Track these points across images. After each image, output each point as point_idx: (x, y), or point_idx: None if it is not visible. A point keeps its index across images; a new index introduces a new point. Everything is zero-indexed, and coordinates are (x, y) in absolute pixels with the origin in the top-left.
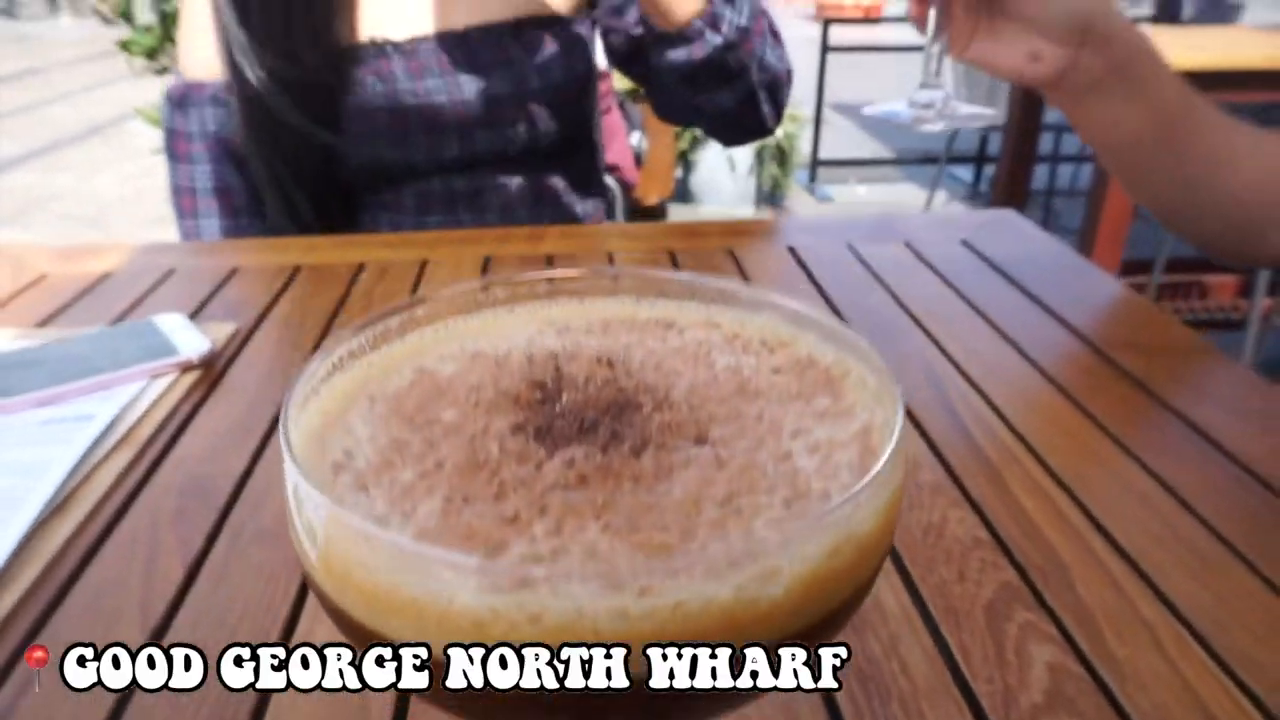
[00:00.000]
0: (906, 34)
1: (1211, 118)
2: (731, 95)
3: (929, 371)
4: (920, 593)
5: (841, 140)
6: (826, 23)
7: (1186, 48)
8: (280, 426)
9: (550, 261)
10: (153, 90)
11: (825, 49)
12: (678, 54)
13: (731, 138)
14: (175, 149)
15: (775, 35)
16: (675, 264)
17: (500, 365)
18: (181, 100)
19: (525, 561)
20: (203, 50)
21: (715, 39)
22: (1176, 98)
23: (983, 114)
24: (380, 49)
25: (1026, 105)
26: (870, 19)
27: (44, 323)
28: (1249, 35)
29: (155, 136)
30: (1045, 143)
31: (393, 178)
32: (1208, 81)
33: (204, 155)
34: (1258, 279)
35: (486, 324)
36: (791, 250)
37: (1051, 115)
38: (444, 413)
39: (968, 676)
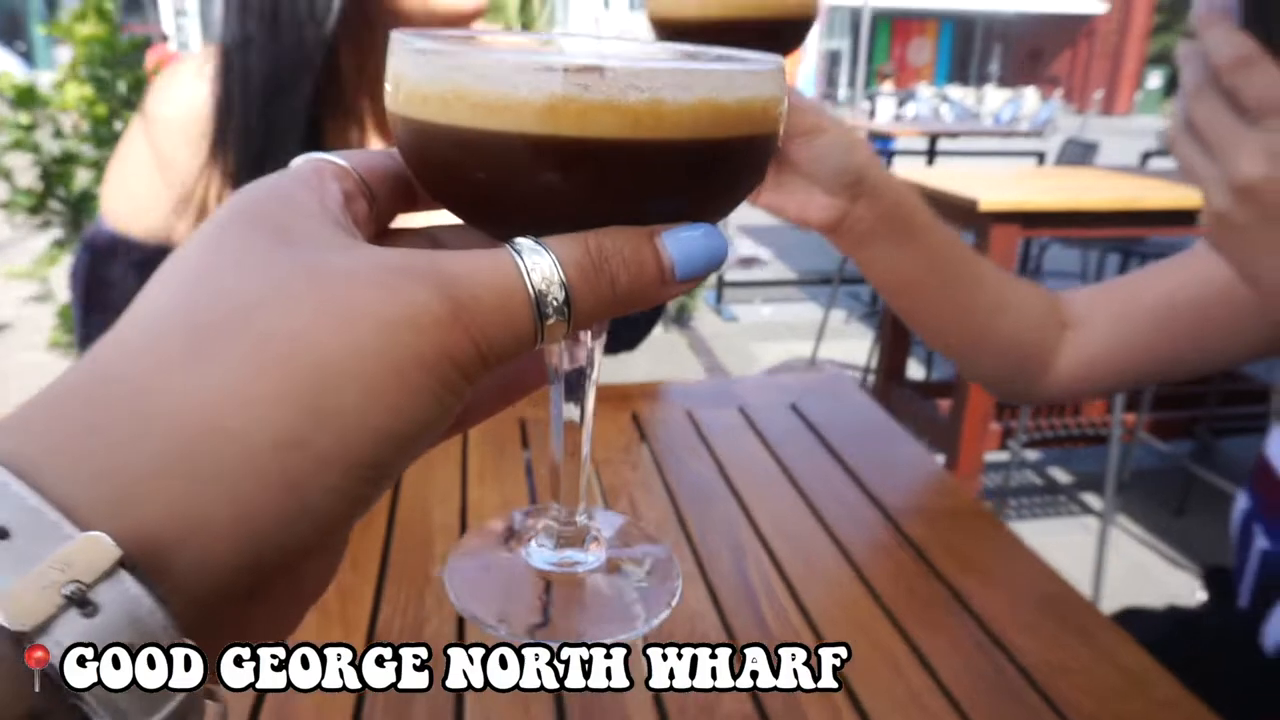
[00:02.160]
0: None
1: (984, 268)
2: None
3: (732, 539)
4: None
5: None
6: None
7: (1049, 190)
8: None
9: None
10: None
11: None
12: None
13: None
14: (97, 297)
15: None
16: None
17: None
18: (107, 251)
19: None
20: (142, 206)
21: None
22: (948, 247)
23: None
24: None
25: None
26: None
27: None
28: (1101, 177)
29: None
30: None
31: None
32: (1068, 220)
33: (124, 307)
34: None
35: None
36: (634, 417)
37: None
38: None
39: None
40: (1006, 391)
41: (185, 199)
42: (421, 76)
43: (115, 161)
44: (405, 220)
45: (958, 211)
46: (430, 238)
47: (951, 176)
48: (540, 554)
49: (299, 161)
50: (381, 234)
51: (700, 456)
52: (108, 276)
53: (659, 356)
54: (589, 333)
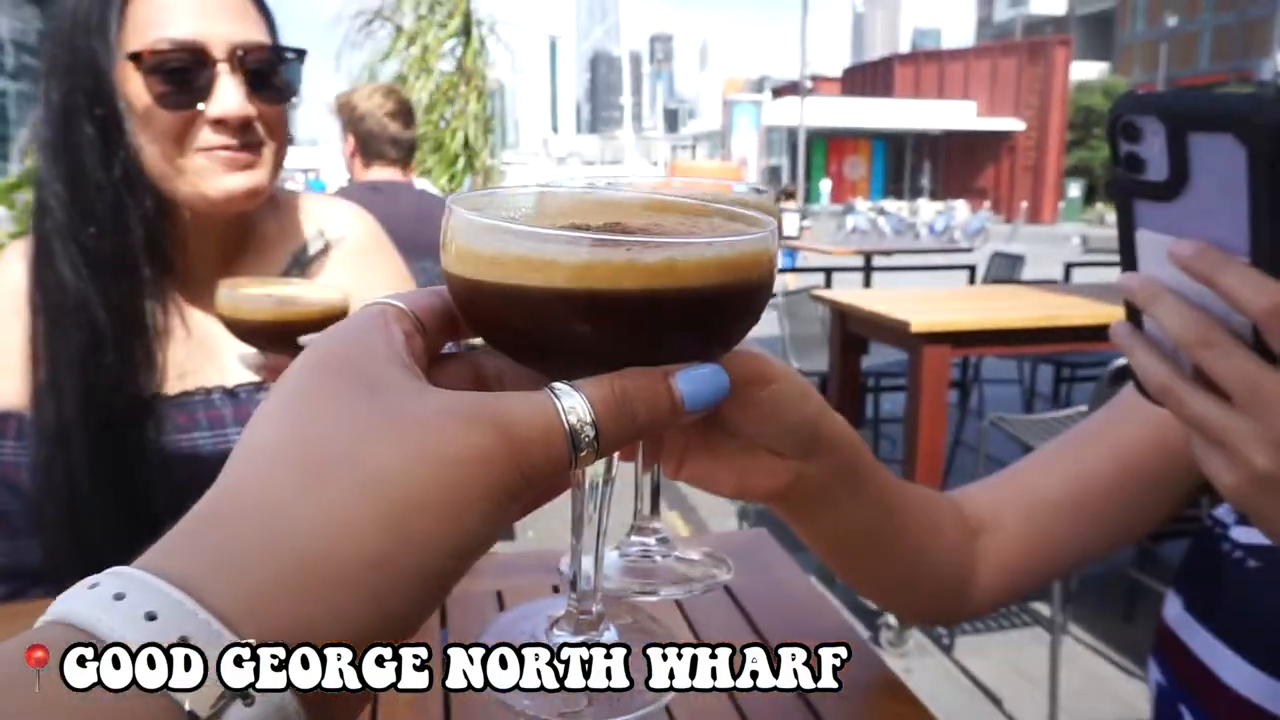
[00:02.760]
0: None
1: (916, 494)
2: None
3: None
4: None
5: None
6: None
7: (978, 310)
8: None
9: None
10: None
11: None
12: None
13: None
14: None
15: None
16: None
17: None
18: None
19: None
20: None
21: None
22: (889, 490)
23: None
24: (180, 401)
25: (845, 354)
26: None
27: None
28: (1027, 294)
29: None
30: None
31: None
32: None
33: None
34: None
35: None
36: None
37: (871, 360)
38: None
39: None
40: (936, 619)
41: (7, 366)
42: (472, 240)
43: None
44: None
45: (891, 333)
46: (472, 364)
47: (885, 299)
48: (560, 638)
49: (361, 309)
50: (432, 360)
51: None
52: None
53: (625, 487)
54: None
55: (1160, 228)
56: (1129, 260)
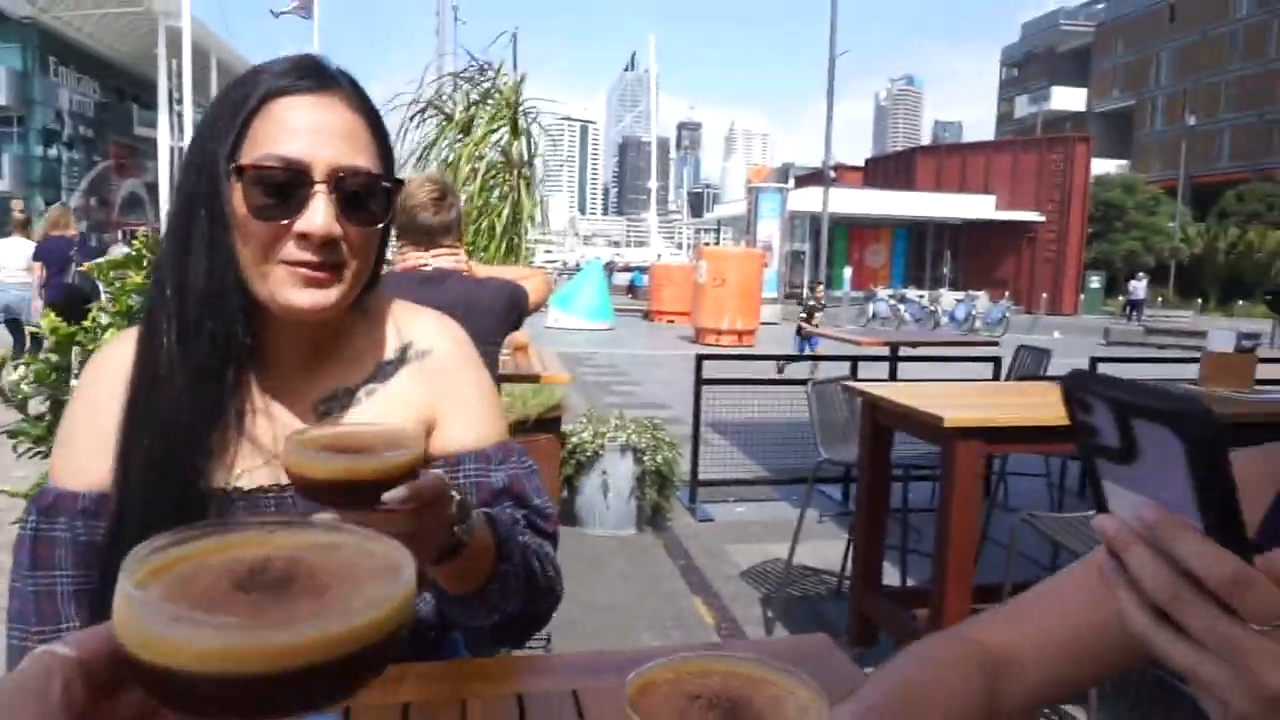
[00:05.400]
0: (771, 368)
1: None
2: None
3: None
4: None
5: (719, 458)
6: (699, 359)
7: (1009, 406)
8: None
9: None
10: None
11: (700, 382)
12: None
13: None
14: (38, 555)
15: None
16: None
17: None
18: (50, 509)
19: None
20: (79, 461)
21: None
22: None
23: None
24: (254, 497)
25: (874, 445)
26: (743, 347)
27: None
28: (1057, 391)
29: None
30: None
31: None
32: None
33: (67, 560)
34: None
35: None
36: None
37: (898, 450)
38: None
39: None
40: None
41: (108, 450)
42: (120, 611)
43: (63, 423)
44: None
45: (924, 428)
46: (136, 701)
47: (916, 394)
48: None
49: (32, 660)
50: (105, 694)
51: None
52: (49, 534)
53: (633, 558)
54: None
55: (1121, 482)
56: (1101, 503)
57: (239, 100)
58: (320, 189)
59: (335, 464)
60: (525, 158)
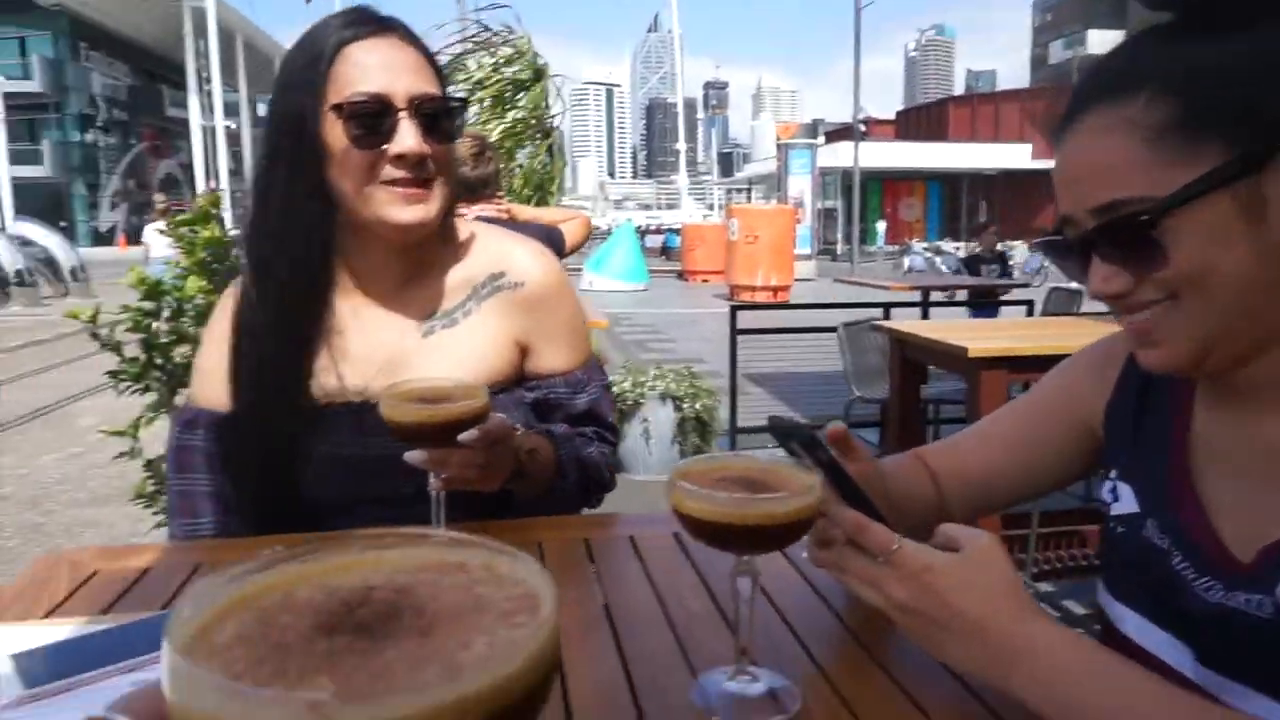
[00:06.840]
0: (807, 315)
1: (901, 473)
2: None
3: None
4: None
5: (756, 407)
6: (734, 310)
7: (1033, 337)
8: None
9: None
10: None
11: (735, 332)
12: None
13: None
14: (180, 461)
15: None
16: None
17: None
18: (191, 423)
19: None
20: (209, 383)
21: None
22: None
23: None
24: (343, 410)
25: (904, 382)
26: (778, 303)
27: (106, 610)
28: (1084, 325)
29: (98, 420)
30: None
31: (349, 507)
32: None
33: (204, 465)
34: None
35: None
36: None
37: (930, 388)
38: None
39: None
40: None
41: (222, 377)
42: (175, 694)
43: (199, 354)
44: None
45: (949, 359)
46: None
47: (942, 328)
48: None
49: None
50: None
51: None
52: (190, 444)
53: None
54: None
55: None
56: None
57: (315, 55)
58: (404, 114)
59: (421, 411)
60: (547, 121)
